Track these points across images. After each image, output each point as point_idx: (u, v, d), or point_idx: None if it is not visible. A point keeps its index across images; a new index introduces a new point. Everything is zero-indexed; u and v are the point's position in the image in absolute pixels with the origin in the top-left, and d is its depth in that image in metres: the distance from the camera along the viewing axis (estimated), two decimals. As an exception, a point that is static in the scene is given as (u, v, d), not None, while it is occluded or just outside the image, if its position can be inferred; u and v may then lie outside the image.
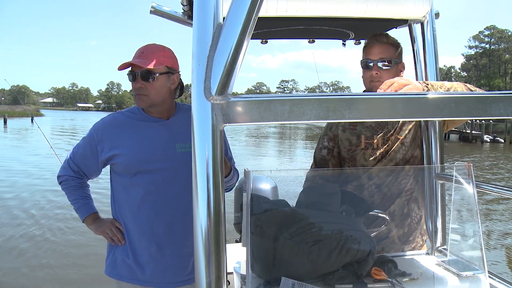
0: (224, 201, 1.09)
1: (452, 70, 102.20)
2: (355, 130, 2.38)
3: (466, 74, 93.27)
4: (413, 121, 2.33)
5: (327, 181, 2.10)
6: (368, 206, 1.91)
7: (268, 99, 1.05)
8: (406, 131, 2.32)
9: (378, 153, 2.32)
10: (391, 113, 1.09)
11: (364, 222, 1.78)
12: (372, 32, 2.63)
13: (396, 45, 2.29)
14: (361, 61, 2.34)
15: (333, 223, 1.66)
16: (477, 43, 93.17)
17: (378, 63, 2.23)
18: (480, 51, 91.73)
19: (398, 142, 2.31)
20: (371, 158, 2.33)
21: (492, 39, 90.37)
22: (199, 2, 1.09)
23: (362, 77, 2.35)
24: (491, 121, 47.75)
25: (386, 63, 2.23)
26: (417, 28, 2.32)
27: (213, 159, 1.04)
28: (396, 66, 2.26)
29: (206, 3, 1.08)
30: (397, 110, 1.09)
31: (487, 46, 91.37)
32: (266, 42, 2.95)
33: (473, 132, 45.86)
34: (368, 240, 1.63)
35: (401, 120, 2.33)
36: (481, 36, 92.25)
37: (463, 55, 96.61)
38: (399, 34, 2.52)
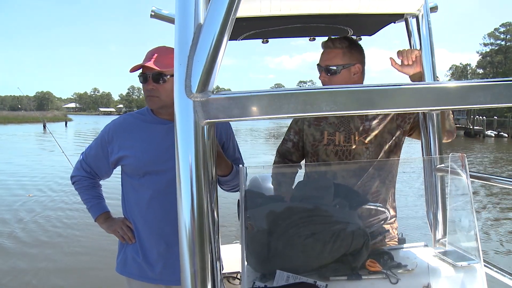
0: (212, 195, 1.13)
1: (468, 68, 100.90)
2: (319, 126, 2.46)
3: (482, 71, 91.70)
4: (380, 125, 2.40)
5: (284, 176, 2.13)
6: (362, 199, 1.93)
7: (246, 95, 1.09)
8: (371, 137, 2.38)
9: (339, 150, 2.38)
10: (369, 105, 1.11)
11: (360, 215, 1.81)
12: (370, 28, 2.66)
13: (347, 49, 2.37)
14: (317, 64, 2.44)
15: (327, 216, 1.68)
16: (492, 40, 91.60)
17: (324, 69, 2.36)
18: (496, 48, 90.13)
19: (362, 146, 2.37)
20: (333, 154, 2.39)
21: (508, 36, 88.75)
22: (180, 4, 1.13)
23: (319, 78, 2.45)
24: (495, 117, 51.63)
25: (332, 69, 2.34)
26: (413, 22, 2.32)
27: (196, 155, 1.08)
28: (345, 71, 2.35)
29: (186, 4, 1.12)
30: (374, 102, 1.11)
31: (503, 43, 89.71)
32: (267, 41, 2.97)
33: (475, 127, 48.37)
34: (362, 233, 1.65)
35: (366, 120, 2.42)
36: (496, 33, 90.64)
37: (477, 52, 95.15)
38: (400, 29, 2.54)
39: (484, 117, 49.38)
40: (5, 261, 7.06)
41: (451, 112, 2.26)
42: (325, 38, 2.55)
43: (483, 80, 1.17)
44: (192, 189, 1.08)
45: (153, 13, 2.52)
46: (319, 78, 2.41)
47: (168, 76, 2.21)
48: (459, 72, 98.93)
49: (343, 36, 2.48)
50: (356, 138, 2.38)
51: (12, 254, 7.43)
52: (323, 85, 2.37)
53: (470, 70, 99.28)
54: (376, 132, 2.39)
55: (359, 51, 2.42)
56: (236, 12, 1.07)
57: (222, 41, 1.06)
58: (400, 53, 2.18)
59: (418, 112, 2.26)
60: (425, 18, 2.20)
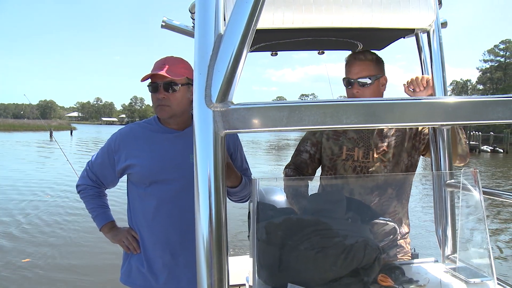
0: (226, 205, 1.12)
1: (468, 84, 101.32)
2: (338, 140, 2.45)
3: (482, 87, 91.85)
4: (398, 144, 2.40)
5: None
6: (374, 213, 1.91)
7: (266, 106, 1.08)
8: (390, 155, 2.38)
9: (358, 166, 2.37)
10: (388, 118, 1.11)
11: (371, 230, 1.79)
12: (380, 43, 2.67)
13: (375, 61, 2.39)
14: (343, 79, 2.42)
15: (339, 230, 1.67)
16: (492, 56, 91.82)
17: (358, 81, 2.34)
18: (496, 64, 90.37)
19: (380, 164, 2.37)
20: (351, 169, 2.39)
21: (507, 53, 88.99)
22: (200, 13, 1.13)
23: (346, 94, 2.43)
24: (491, 132, 53.22)
25: (365, 81, 2.33)
26: (424, 38, 2.33)
27: (215, 164, 1.07)
28: (376, 82, 2.36)
29: (207, 14, 1.12)
30: (393, 115, 1.11)
31: (502, 59, 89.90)
32: (276, 54, 2.99)
33: (470, 142, 49.48)
34: (374, 247, 1.63)
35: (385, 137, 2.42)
36: (496, 50, 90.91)
37: (477, 68, 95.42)
38: (410, 41, 2.56)
39: (480, 133, 50.75)
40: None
41: (463, 136, 2.26)
42: (339, 51, 2.55)
43: (494, 96, 1.17)
44: (210, 199, 1.06)
45: (164, 24, 2.54)
46: (351, 91, 2.37)
47: (179, 85, 2.21)
48: (460, 88, 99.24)
49: (368, 50, 2.49)
50: (375, 155, 2.37)
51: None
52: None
53: (471, 86, 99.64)
54: (394, 150, 2.39)
55: (383, 63, 2.44)
56: (256, 23, 1.07)
57: (242, 51, 1.07)
58: (411, 83, 2.18)
59: (429, 131, 2.26)
60: (436, 33, 2.21)
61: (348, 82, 2.38)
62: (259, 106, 1.08)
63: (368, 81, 2.33)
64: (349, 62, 2.41)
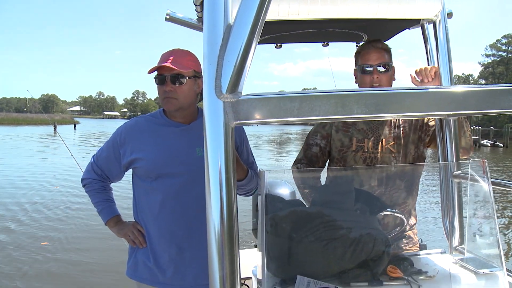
0: (236, 197, 1.11)
1: (470, 78, 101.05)
2: (347, 132, 2.44)
3: (484, 82, 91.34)
4: (405, 135, 2.41)
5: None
6: (382, 205, 1.90)
7: (277, 96, 1.08)
8: (399, 145, 2.39)
9: (368, 157, 2.38)
10: (398, 108, 1.10)
11: (380, 221, 1.78)
12: (385, 34, 2.65)
13: (389, 51, 2.40)
14: (358, 66, 2.40)
15: (348, 222, 1.66)
16: (494, 51, 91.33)
17: (378, 68, 2.33)
18: (498, 59, 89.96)
19: (390, 155, 2.37)
20: (361, 160, 2.39)
21: (510, 47, 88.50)
22: (209, 5, 1.12)
23: (358, 82, 2.42)
24: (492, 127, 54.32)
25: (384, 67, 2.33)
26: (430, 28, 2.31)
27: (225, 155, 1.06)
28: (391, 69, 2.37)
29: (215, 5, 1.11)
30: (404, 105, 1.10)
31: (505, 54, 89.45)
32: (281, 46, 2.97)
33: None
34: (383, 238, 1.62)
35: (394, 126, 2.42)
36: (498, 45, 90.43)
37: (479, 63, 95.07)
38: (413, 35, 2.53)
39: (480, 127, 51.25)
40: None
41: (468, 129, 2.25)
42: (341, 46, 2.54)
43: (503, 85, 1.16)
44: (221, 191, 1.05)
45: (168, 17, 2.52)
46: (369, 78, 2.35)
47: (187, 78, 2.19)
48: (461, 83, 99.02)
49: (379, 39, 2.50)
50: (384, 145, 2.37)
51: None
52: (370, 86, 2.34)
53: (472, 81, 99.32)
54: (402, 142, 2.39)
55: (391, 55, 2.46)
56: (266, 13, 1.06)
57: (252, 42, 1.06)
58: (419, 73, 2.17)
59: (436, 122, 2.26)
60: (442, 23, 2.20)
61: (364, 70, 2.36)
62: (270, 97, 1.07)
63: (386, 68, 2.34)
64: (364, 50, 2.39)
